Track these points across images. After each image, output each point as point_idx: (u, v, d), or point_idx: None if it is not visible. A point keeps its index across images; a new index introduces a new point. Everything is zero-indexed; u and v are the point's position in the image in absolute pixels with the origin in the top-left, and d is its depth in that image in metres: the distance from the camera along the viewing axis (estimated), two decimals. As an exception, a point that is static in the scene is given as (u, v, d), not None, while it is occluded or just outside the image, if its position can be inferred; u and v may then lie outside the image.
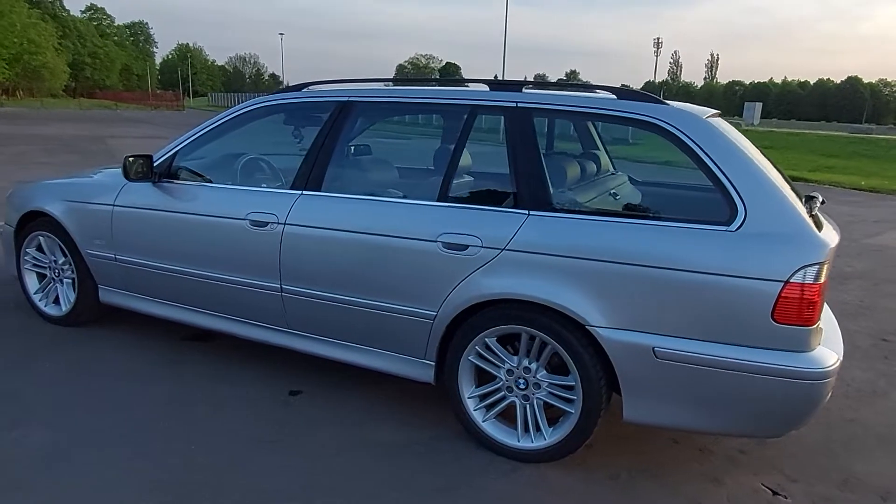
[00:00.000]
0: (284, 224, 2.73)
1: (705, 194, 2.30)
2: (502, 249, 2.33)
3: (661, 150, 3.51)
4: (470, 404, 2.51)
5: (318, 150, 2.78)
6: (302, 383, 3.01)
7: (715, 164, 2.17)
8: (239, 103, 3.26)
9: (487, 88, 2.62)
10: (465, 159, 2.58)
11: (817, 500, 2.30)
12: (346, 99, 2.81)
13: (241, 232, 2.83)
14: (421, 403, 2.87)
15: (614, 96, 2.43)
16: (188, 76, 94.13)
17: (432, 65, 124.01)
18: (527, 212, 2.35)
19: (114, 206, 3.21)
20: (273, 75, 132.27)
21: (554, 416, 2.42)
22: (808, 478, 2.44)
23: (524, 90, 2.55)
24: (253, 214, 2.80)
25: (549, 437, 2.38)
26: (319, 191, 2.74)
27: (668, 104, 2.33)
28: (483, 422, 2.50)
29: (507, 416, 2.51)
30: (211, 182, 3.13)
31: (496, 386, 2.48)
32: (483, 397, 2.52)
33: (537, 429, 2.42)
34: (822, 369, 2.02)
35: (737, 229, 2.09)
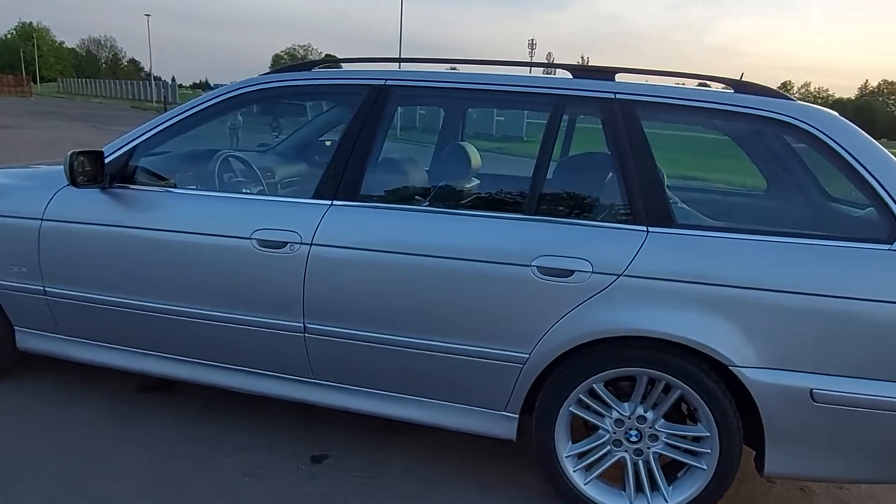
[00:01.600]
0: (311, 245, 2.09)
1: (845, 207, 2.00)
2: (619, 275, 1.89)
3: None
4: (568, 464, 2.04)
5: (351, 147, 2.17)
6: (323, 445, 2.37)
7: (868, 172, 1.86)
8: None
9: (569, 76, 2.15)
10: (547, 163, 2.09)
11: (947, 541, 2.10)
12: (382, 82, 2.22)
13: (243, 256, 2.15)
14: (474, 461, 2.35)
15: (731, 89, 2.07)
16: (34, 59, 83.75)
17: (311, 56, 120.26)
18: (645, 228, 1.93)
19: (43, 219, 2.36)
20: (133, 61, 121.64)
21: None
22: (915, 511, 2.24)
23: (617, 78, 2.11)
24: (263, 232, 2.13)
25: (671, 498, 1.98)
26: (356, 200, 2.14)
27: (794, 100, 2.01)
28: (585, 485, 2.04)
29: (606, 475, 2.07)
30: (178, 187, 2.39)
31: (602, 440, 2.03)
32: (581, 454, 2.06)
33: (653, 489, 2.01)
34: None
35: (901, 248, 1.80)
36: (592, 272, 1.90)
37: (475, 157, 2.92)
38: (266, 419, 2.51)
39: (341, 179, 2.15)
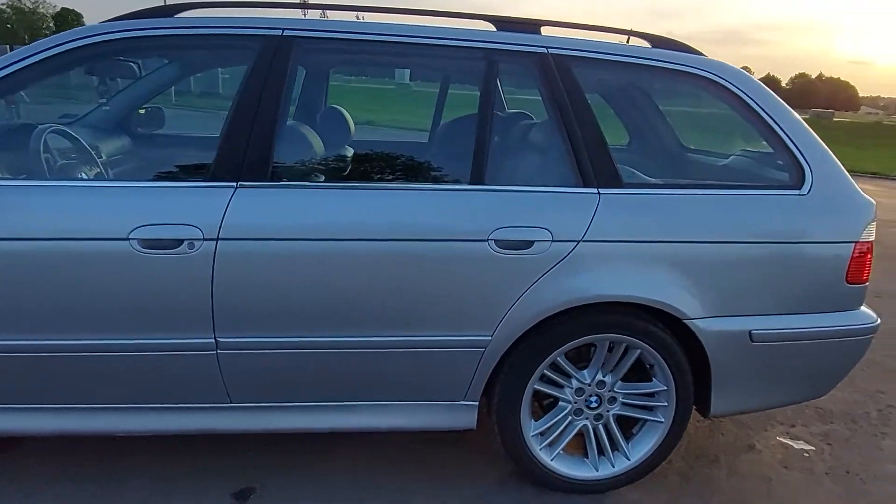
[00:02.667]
0: (217, 239, 1.67)
1: (757, 157, 2.13)
2: (579, 241, 1.80)
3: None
4: (534, 443, 1.95)
5: (253, 116, 1.75)
6: (244, 474, 1.98)
7: (777, 124, 1.99)
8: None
9: (493, 28, 1.96)
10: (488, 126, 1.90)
11: (824, 435, 2.44)
12: (280, 32, 1.81)
13: (119, 262, 1.64)
14: (418, 455, 2.16)
15: (647, 44, 2.06)
16: None
17: (41, 9, 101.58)
18: (596, 190, 1.85)
19: None
20: None
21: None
22: (793, 420, 2.57)
23: (543, 31, 1.98)
24: (147, 230, 1.64)
25: (632, 455, 2.00)
26: (267, 180, 1.74)
27: (705, 56, 2.07)
28: (552, 461, 1.97)
29: (567, 446, 2.03)
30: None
31: (563, 412, 1.97)
32: (543, 432, 1.98)
33: (614, 449, 2.01)
34: (875, 322, 2.07)
35: (808, 192, 1.97)
36: (552, 241, 1.79)
37: (352, 123, 2.63)
38: (156, 458, 2.02)
39: (245, 156, 1.73)
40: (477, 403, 1.92)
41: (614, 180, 1.87)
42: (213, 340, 1.72)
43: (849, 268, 1.96)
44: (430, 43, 1.88)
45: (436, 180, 1.90)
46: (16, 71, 1.72)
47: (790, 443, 2.40)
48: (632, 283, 1.82)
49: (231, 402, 1.82)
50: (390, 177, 1.94)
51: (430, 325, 1.79)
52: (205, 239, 1.66)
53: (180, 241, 1.65)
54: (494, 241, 1.76)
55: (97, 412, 1.77)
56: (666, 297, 1.84)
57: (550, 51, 1.91)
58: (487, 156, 1.84)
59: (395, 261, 1.74)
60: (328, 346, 1.77)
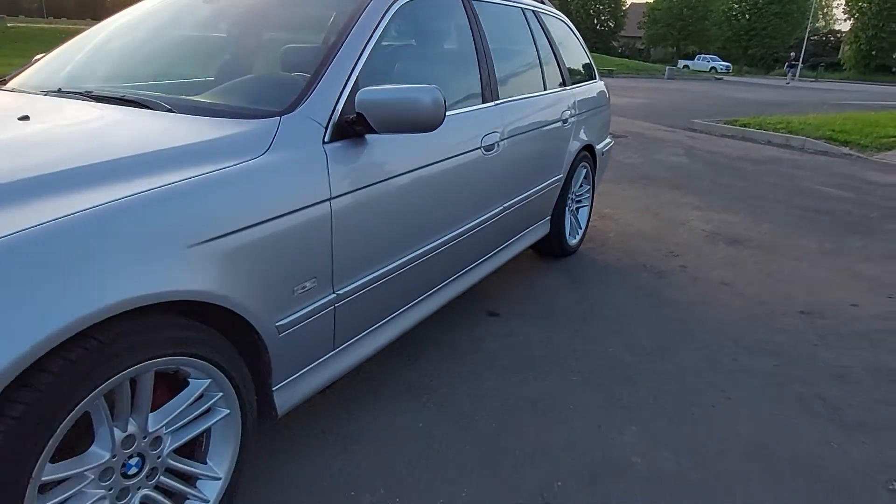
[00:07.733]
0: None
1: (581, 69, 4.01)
2: (570, 118, 3.33)
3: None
4: (567, 230, 3.57)
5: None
6: (494, 304, 2.92)
7: (582, 45, 3.98)
8: None
9: None
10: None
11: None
12: None
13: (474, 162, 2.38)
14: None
15: None
16: None
17: None
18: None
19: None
20: None
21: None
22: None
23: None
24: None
25: (583, 225, 3.85)
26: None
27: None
28: (568, 236, 3.63)
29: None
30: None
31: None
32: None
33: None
34: None
35: (597, 79, 4.08)
36: (571, 117, 3.35)
37: None
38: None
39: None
40: (550, 215, 3.37)
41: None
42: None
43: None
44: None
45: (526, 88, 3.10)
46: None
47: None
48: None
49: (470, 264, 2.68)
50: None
51: (549, 173, 3.14)
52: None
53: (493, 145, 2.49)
54: (563, 120, 3.21)
55: (420, 303, 2.24)
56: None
57: None
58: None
59: (537, 140, 2.98)
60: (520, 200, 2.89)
